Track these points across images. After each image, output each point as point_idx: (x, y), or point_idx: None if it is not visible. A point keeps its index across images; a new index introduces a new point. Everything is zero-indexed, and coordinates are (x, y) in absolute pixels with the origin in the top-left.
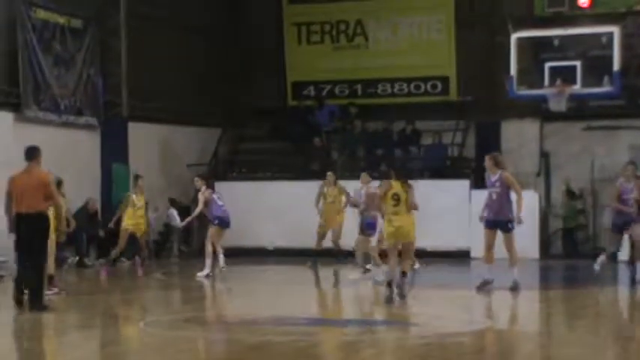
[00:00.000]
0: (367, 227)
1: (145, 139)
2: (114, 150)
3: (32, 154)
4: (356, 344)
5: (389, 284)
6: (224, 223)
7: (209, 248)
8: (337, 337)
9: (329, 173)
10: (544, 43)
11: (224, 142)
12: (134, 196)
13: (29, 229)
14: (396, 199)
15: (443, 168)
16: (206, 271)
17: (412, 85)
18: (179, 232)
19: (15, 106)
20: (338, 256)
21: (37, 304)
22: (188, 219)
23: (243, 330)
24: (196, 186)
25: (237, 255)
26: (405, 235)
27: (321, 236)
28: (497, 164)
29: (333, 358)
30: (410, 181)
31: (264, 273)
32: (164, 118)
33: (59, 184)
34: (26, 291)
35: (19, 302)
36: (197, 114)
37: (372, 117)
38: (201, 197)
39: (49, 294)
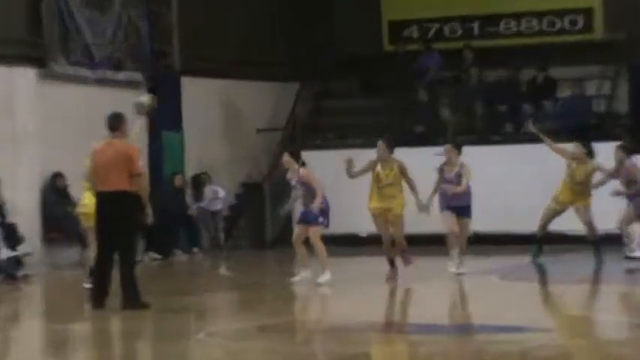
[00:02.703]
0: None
1: (202, 98)
2: (164, 112)
3: (114, 123)
4: (475, 355)
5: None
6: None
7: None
8: (444, 348)
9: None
10: None
11: (303, 100)
12: None
13: (113, 212)
14: None
15: (587, 127)
16: (327, 275)
17: (545, 21)
18: (221, 217)
19: (39, 61)
20: None
21: (133, 301)
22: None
23: (332, 339)
24: (285, 165)
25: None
26: None
27: None
28: None
29: None
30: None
31: (356, 266)
32: (226, 71)
33: None
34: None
35: (98, 303)
36: (268, 65)
37: (492, 64)
38: (311, 177)
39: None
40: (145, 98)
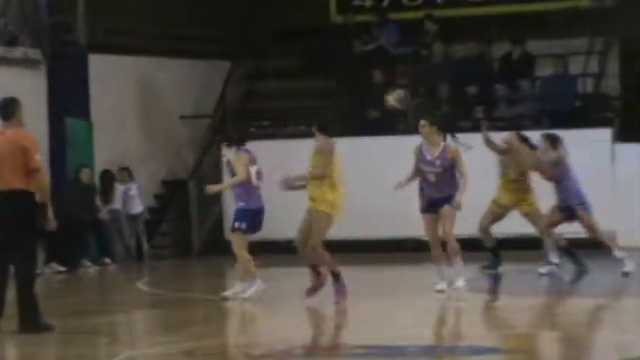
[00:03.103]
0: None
1: (114, 79)
2: (67, 96)
3: (7, 110)
4: None
5: None
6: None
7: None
8: None
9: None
10: None
11: (235, 81)
12: None
13: (6, 215)
14: None
15: (571, 111)
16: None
17: None
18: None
19: None
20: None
21: (32, 324)
22: None
23: None
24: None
25: (258, 252)
26: None
27: None
28: None
29: None
30: None
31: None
32: (143, 46)
33: None
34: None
35: None
36: (193, 39)
37: (460, 37)
38: (241, 168)
39: None
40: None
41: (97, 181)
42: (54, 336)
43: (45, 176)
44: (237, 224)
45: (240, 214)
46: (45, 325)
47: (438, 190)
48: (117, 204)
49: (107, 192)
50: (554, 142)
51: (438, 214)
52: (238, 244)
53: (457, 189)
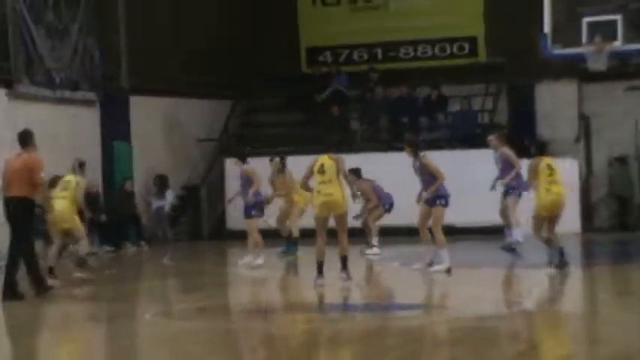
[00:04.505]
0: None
1: (148, 114)
2: (114, 126)
3: (25, 139)
4: (381, 330)
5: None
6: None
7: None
8: (357, 325)
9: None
10: None
11: (235, 114)
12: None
13: (14, 214)
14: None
15: (473, 136)
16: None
17: (437, 47)
18: (168, 217)
19: (7, 82)
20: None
21: (36, 288)
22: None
23: (259, 318)
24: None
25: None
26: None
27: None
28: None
29: (357, 346)
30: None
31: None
32: (168, 90)
33: (81, 165)
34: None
35: (6, 292)
36: (205, 85)
37: (394, 83)
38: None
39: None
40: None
41: (142, 185)
42: (109, 296)
43: (43, 188)
44: (253, 212)
45: (255, 205)
46: (45, 287)
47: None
48: (164, 202)
49: (160, 191)
50: (356, 174)
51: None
52: (254, 227)
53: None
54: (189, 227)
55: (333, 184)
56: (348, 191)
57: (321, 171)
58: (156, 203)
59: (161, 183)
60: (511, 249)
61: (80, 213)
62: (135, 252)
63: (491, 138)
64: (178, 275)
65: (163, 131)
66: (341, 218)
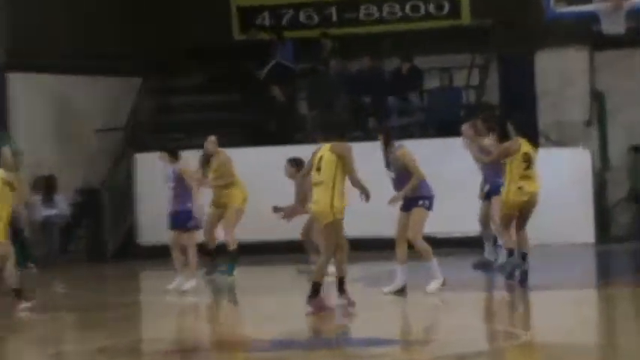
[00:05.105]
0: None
1: (32, 97)
2: None
3: None
4: None
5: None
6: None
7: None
8: None
9: None
10: None
11: (146, 96)
12: None
13: None
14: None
15: (456, 121)
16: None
17: (408, 6)
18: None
19: None
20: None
21: None
22: None
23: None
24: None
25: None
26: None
27: None
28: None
29: None
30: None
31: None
32: (59, 65)
33: (15, 154)
34: None
35: None
36: (107, 59)
37: (353, 53)
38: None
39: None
40: None
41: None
42: None
43: None
44: (191, 223)
45: (190, 215)
46: None
47: None
48: (55, 210)
49: (47, 197)
50: (299, 165)
51: None
52: (194, 242)
53: None
54: (89, 243)
55: (325, 187)
56: (352, 192)
57: (318, 167)
58: (42, 212)
59: (48, 186)
60: (485, 264)
61: None
62: (19, 277)
63: (465, 127)
64: (76, 306)
65: (52, 118)
66: (324, 230)
